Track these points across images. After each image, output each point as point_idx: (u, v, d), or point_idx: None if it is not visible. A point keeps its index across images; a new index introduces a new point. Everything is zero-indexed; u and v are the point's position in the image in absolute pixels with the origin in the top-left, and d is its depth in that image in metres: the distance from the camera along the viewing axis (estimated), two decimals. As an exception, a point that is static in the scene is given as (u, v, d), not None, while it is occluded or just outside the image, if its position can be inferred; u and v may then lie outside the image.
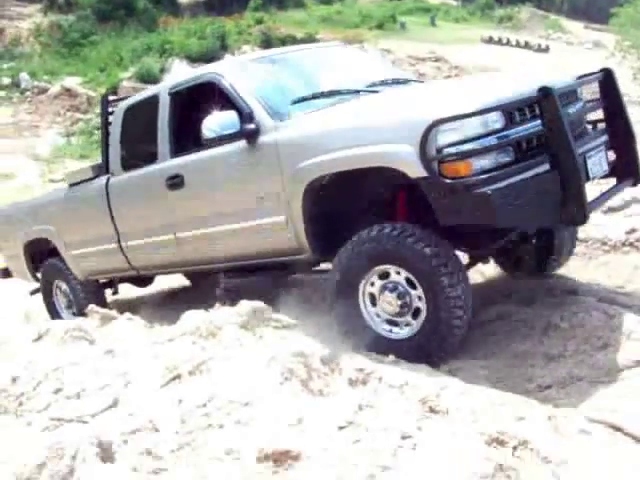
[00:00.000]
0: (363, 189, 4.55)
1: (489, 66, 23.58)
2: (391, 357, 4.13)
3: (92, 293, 6.95)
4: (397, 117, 4.13)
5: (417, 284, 4.11)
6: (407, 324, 4.24)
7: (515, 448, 2.86)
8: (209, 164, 5.19)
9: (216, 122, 4.80)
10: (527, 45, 37.03)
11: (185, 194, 5.39)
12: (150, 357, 4.35)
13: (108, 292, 7.38)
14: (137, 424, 3.43)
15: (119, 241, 6.23)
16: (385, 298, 4.24)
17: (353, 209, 4.67)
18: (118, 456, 2.94)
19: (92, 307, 5.89)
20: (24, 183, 15.07)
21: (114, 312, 5.86)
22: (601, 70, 4.73)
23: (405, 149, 3.93)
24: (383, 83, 5.27)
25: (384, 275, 4.26)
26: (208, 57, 29.81)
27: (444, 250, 4.13)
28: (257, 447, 2.76)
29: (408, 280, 4.15)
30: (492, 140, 3.88)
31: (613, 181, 4.62)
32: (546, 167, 3.98)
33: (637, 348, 3.95)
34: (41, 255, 7.39)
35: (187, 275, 7.86)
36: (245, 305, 4.57)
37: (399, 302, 4.19)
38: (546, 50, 36.48)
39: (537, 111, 4.06)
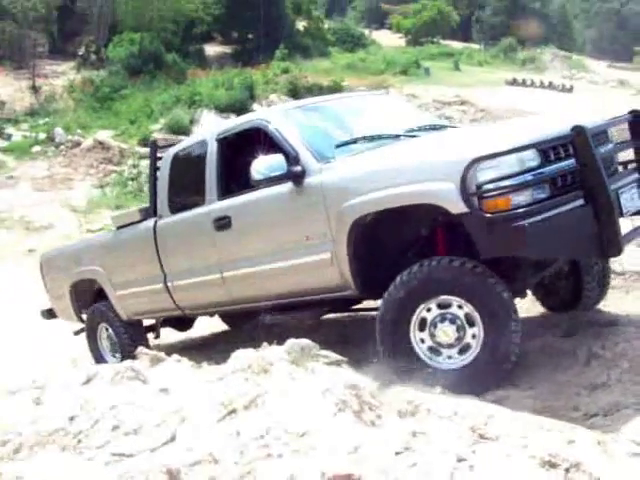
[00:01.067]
0: (403, 228, 4.82)
1: (515, 108, 23.80)
2: (438, 389, 4.25)
3: (136, 336, 7.14)
4: (438, 157, 4.39)
5: (477, 321, 4.28)
6: (450, 357, 4.41)
7: (567, 470, 2.95)
8: (256, 205, 5.43)
9: (264, 165, 5.04)
10: (551, 85, 37.32)
11: (232, 234, 5.62)
12: (203, 394, 4.48)
13: (150, 336, 7.53)
14: (197, 457, 3.55)
15: (165, 281, 6.45)
16: (442, 327, 4.39)
17: (393, 247, 4.91)
18: (185, 484, 3.07)
19: (141, 349, 6.05)
20: (63, 233, 15.43)
21: (162, 354, 6.02)
22: (630, 112, 4.93)
23: (447, 186, 4.15)
24: (421, 129, 5.56)
25: (444, 305, 4.40)
26: (236, 107, 30.54)
27: (504, 284, 4.32)
28: (319, 471, 2.88)
29: (467, 316, 4.32)
30: (528, 177, 4.12)
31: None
32: (580, 202, 4.17)
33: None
34: (86, 297, 7.62)
35: (226, 319, 8.09)
36: (293, 343, 4.72)
37: (456, 335, 4.37)
38: (570, 90, 36.71)
39: (570, 150, 4.28)
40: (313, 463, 3.13)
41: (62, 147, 28.04)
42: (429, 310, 4.43)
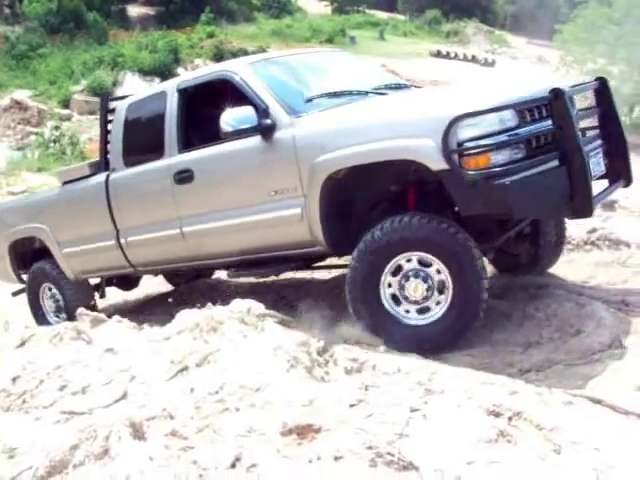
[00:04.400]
0: (373, 184, 4.81)
1: (440, 80, 24.15)
2: (382, 347, 4.41)
3: (83, 296, 6.95)
4: (418, 113, 4.41)
5: (449, 286, 4.33)
6: (437, 302, 4.42)
7: (510, 418, 3.17)
8: (221, 159, 5.32)
9: (234, 117, 4.94)
10: (474, 59, 38.01)
11: (194, 188, 5.50)
12: (151, 353, 4.54)
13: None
14: (151, 413, 3.61)
15: (118, 237, 6.27)
16: (414, 283, 4.41)
17: (363, 203, 4.93)
18: (147, 436, 3.14)
19: (81, 310, 6.02)
20: (-18, 196, 14.93)
21: (103, 315, 6.01)
22: (597, 79, 5.04)
23: (427, 143, 4.17)
24: (387, 87, 5.57)
25: (425, 264, 4.42)
26: (161, 70, 29.99)
27: (474, 242, 4.40)
28: (280, 422, 3.00)
29: (440, 282, 4.37)
30: (507, 136, 4.16)
31: (605, 183, 4.83)
32: (555, 163, 4.23)
33: (607, 333, 4.31)
34: (26, 256, 7.38)
35: (170, 278, 8.04)
36: (239, 303, 4.80)
37: (424, 295, 4.42)
38: (492, 64, 37.50)
39: (544, 112, 4.39)
40: (271, 416, 3.24)
41: (-24, 106, 26.95)
42: (409, 261, 4.44)
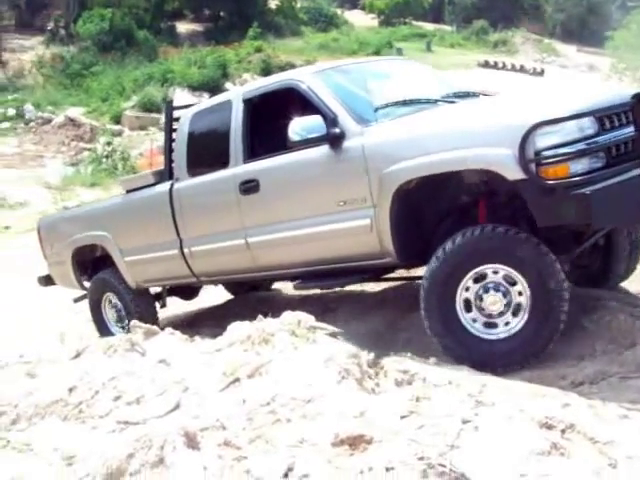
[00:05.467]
0: (444, 195, 4.75)
1: (489, 90, 23.99)
2: (433, 359, 4.40)
3: (144, 305, 6.97)
4: (494, 121, 4.30)
5: (520, 280, 4.20)
6: (506, 323, 4.31)
7: (563, 431, 3.13)
8: (288, 168, 5.26)
9: (302, 126, 4.88)
10: (522, 69, 37.71)
11: (260, 198, 5.44)
12: (203, 365, 4.60)
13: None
14: (204, 424, 3.66)
15: (181, 247, 6.24)
16: (488, 299, 4.29)
17: (433, 214, 4.84)
18: (201, 446, 3.19)
19: (135, 322, 6.12)
20: (38, 210, 15.35)
21: (156, 327, 6.11)
22: None
23: (503, 152, 4.07)
24: (456, 95, 5.46)
25: (480, 278, 4.32)
26: (209, 86, 30.47)
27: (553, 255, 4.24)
28: (332, 433, 3.03)
29: (506, 278, 4.25)
30: (586, 145, 4.04)
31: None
32: (637, 172, 4.12)
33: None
34: (86, 264, 7.45)
35: (231, 288, 8.07)
36: (289, 315, 4.84)
37: (504, 301, 4.27)
38: (541, 73, 37.12)
39: (624, 118, 4.25)
40: (322, 427, 3.27)
41: (32, 124, 27.78)
42: (468, 289, 4.35)
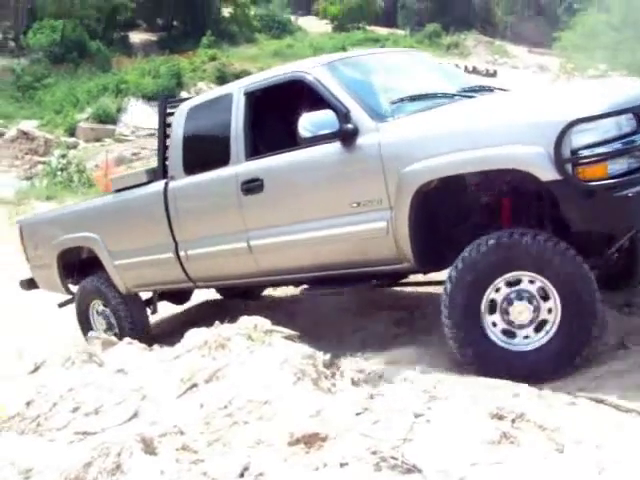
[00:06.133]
0: (464, 196, 4.45)
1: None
2: (387, 357, 4.48)
3: (135, 312, 6.61)
4: (527, 118, 3.97)
5: (553, 294, 3.92)
6: (526, 336, 4.03)
7: (514, 420, 3.21)
8: (295, 167, 4.93)
9: (312, 121, 4.56)
10: (475, 70, 38.20)
11: (264, 199, 5.09)
12: (161, 372, 4.60)
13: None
14: (162, 430, 3.67)
15: (177, 250, 5.86)
16: (516, 307, 4.00)
17: (452, 216, 4.53)
18: (159, 451, 3.21)
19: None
20: (-8, 226, 15.11)
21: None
22: None
23: (536, 150, 3.79)
24: (473, 89, 5.18)
25: (514, 283, 4.03)
26: (164, 95, 30.34)
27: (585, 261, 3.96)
28: (288, 432, 3.07)
29: (540, 291, 3.96)
30: (625, 144, 3.80)
31: None
32: None
33: (612, 336, 4.35)
34: (73, 267, 7.04)
35: (222, 290, 7.65)
36: (246, 320, 4.86)
37: (533, 313, 3.98)
38: (494, 75, 37.71)
39: None
40: (279, 427, 3.31)
41: (-17, 138, 27.33)
42: (498, 290, 4.05)
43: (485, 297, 4.06)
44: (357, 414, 3.32)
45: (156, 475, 2.80)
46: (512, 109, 4.25)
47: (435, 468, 2.69)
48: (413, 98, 4.76)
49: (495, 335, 4.08)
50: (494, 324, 4.08)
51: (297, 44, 42.94)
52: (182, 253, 5.82)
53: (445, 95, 4.88)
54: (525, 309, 3.98)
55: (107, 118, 28.60)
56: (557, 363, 3.93)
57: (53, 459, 3.64)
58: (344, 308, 6.11)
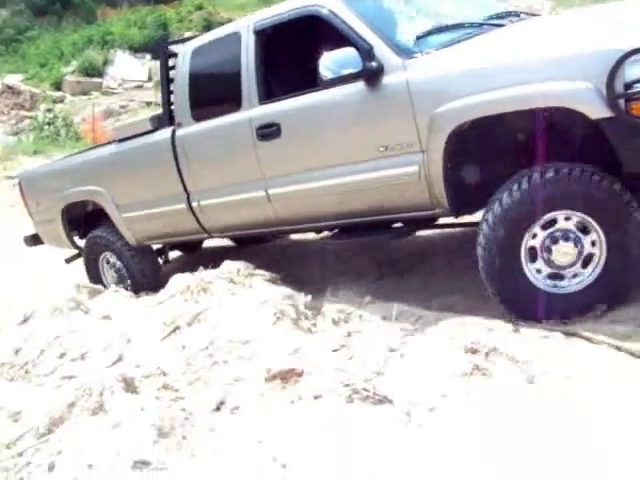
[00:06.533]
0: (500, 135, 4.11)
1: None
2: (368, 298, 4.52)
3: (147, 263, 6.41)
4: (573, 50, 3.61)
5: (594, 227, 3.69)
6: (575, 275, 3.80)
7: (487, 354, 3.28)
8: (314, 110, 4.63)
9: (334, 60, 4.22)
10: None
11: (282, 144, 4.80)
12: (145, 318, 4.69)
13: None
14: (146, 372, 3.77)
15: (189, 201, 5.58)
16: (560, 249, 3.75)
17: (487, 157, 4.21)
18: (140, 390, 3.29)
19: (78, 283, 6.14)
20: (-20, 182, 15.07)
21: (100, 287, 6.16)
22: None
23: (585, 86, 3.47)
24: (499, 16, 4.76)
25: (549, 224, 3.77)
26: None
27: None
28: (265, 369, 3.14)
29: (578, 225, 3.73)
30: None
31: None
32: None
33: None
34: (79, 220, 6.81)
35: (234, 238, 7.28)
36: (229, 264, 4.93)
37: (577, 250, 3.74)
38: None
39: None
40: (257, 365, 3.38)
41: (-32, 93, 26.97)
42: (535, 236, 3.80)
43: (525, 240, 3.82)
44: (334, 350, 3.40)
45: (136, 412, 2.86)
46: (555, 39, 3.88)
47: (406, 399, 2.77)
48: (440, 30, 4.43)
49: (541, 282, 3.84)
50: (538, 271, 3.84)
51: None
52: (195, 204, 5.57)
53: (472, 24, 4.52)
54: (568, 249, 3.74)
55: (93, 71, 28.16)
56: (610, 296, 3.74)
57: (40, 402, 3.74)
58: (328, 251, 6.16)
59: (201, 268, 5.12)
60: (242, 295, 4.20)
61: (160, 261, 6.79)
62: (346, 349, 3.39)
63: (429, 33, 4.35)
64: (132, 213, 6.05)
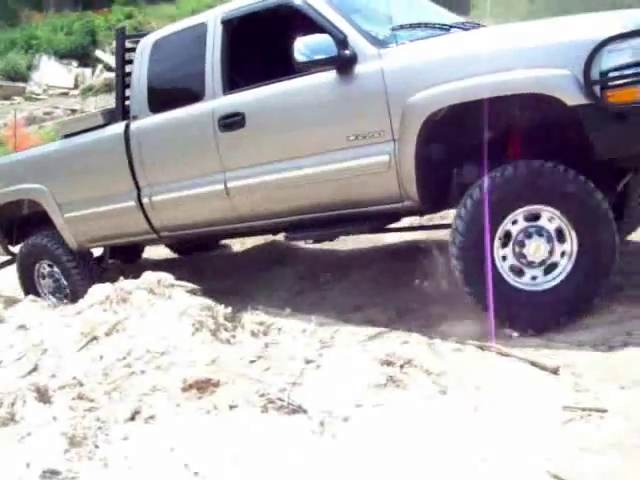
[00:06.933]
0: (471, 126, 4.00)
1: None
2: (288, 310, 4.57)
3: (87, 270, 6.04)
4: (550, 39, 3.69)
5: (570, 235, 3.73)
6: (533, 277, 3.85)
7: (402, 366, 3.36)
8: (282, 99, 4.56)
9: (308, 45, 4.20)
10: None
11: (246, 135, 4.69)
12: (63, 327, 4.60)
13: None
14: (61, 382, 3.70)
15: (139, 197, 5.38)
16: (534, 242, 3.78)
17: (460, 149, 4.15)
18: (54, 400, 3.24)
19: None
20: None
21: (16, 296, 6.02)
22: None
23: (562, 72, 3.54)
24: (463, 25, 4.83)
25: (532, 217, 3.81)
26: (78, 53, 29.32)
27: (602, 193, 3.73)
28: (181, 379, 3.14)
29: (558, 231, 3.76)
30: None
31: None
32: None
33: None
34: (11, 225, 6.41)
35: (176, 247, 7.23)
36: (149, 275, 4.89)
37: (548, 251, 3.78)
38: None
39: None
40: (174, 375, 3.38)
41: None
42: (515, 223, 3.82)
43: (500, 228, 3.83)
44: (251, 362, 3.43)
45: (48, 421, 2.83)
46: (533, 31, 3.98)
47: (320, 409, 2.81)
48: (412, 26, 4.48)
49: (504, 270, 3.87)
50: (504, 258, 3.86)
51: (217, 3, 42.14)
52: (145, 200, 5.35)
53: (442, 27, 4.60)
54: (542, 246, 3.78)
55: (17, 75, 27.49)
56: (561, 311, 3.79)
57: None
58: (250, 264, 6.19)
59: (121, 278, 5.07)
60: (161, 306, 4.18)
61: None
62: (263, 360, 3.42)
63: (401, 27, 4.37)
64: (75, 212, 5.78)
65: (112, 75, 28.33)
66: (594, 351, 3.50)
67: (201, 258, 7.09)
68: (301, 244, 6.04)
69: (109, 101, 24.30)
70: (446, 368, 3.37)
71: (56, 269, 6.16)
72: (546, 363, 3.38)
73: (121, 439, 2.58)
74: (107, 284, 4.97)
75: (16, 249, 6.55)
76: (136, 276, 4.91)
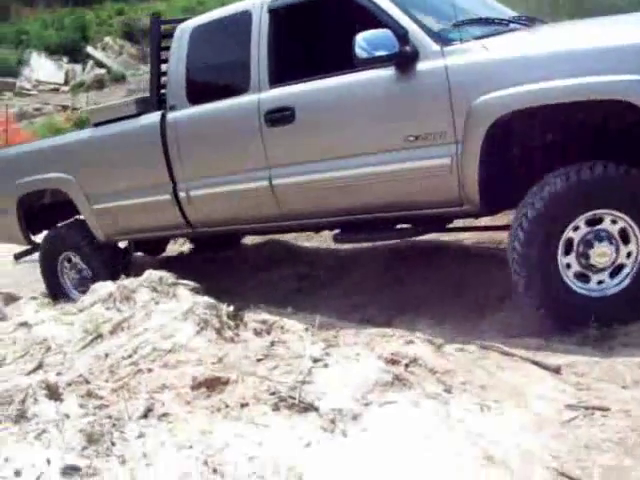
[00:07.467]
0: (540, 129, 3.98)
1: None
2: (289, 309, 4.62)
3: (112, 262, 5.93)
4: (625, 42, 3.59)
5: (636, 235, 3.65)
6: (600, 282, 3.76)
7: (407, 365, 3.42)
8: (337, 94, 4.41)
9: (369, 40, 4.05)
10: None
11: (295, 131, 4.55)
12: (66, 325, 4.64)
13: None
14: (67, 379, 3.73)
15: (175, 191, 5.26)
16: (599, 248, 3.69)
17: (525, 153, 4.07)
18: (64, 397, 3.27)
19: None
20: None
21: (15, 293, 6.04)
22: None
23: (636, 78, 3.43)
24: (520, 19, 4.71)
25: (595, 221, 3.71)
26: (68, 49, 29.32)
27: None
28: (190, 377, 3.19)
29: (621, 232, 3.69)
30: None
31: None
32: None
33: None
34: (34, 214, 6.28)
35: (200, 241, 7.08)
36: (151, 273, 4.93)
37: (615, 255, 3.69)
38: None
39: None
40: (182, 373, 3.41)
41: None
42: (577, 229, 3.72)
43: (563, 236, 3.74)
44: (258, 360, 3.47)
45: (62, 419, 2.85)
46: (601, 34, 3.85)
47: (330, 407, 2.86)
48: (473, 21, 4.35)
49: (568, 278, 3.77)
50: (568, 266, 3.77)
51: (208, 2, 42.05)
52: (182, 194, 5.22)
53: (501, 22, 4.48)
54: (607, 250, 3.69)
55: (6, 70, 27.44)
56: (630, 312, 3.67)
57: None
58: (250, 264, 6.23)
59: (123, 276, 5.11)
60: (166, 304, 4.22)
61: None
62: (270, 359, 3.46)
63: (463, 23, 4.21)
64: (104, 204, 5.65)
65: (102, 72, 28.35)
66: (595, 351, 3.58)
67: (201, 258, 7.10)
68: (301, 244, 6.11)
69: (100, 97, 24.25)
70: (450, 367, 3.43)
71: (80, 261, 6.03)
72: (548, 362, 3.47)
73: (136, 436, 2.62)
74: (109, 282, 5.02)
75: (37, 238, 6.44)
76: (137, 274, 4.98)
